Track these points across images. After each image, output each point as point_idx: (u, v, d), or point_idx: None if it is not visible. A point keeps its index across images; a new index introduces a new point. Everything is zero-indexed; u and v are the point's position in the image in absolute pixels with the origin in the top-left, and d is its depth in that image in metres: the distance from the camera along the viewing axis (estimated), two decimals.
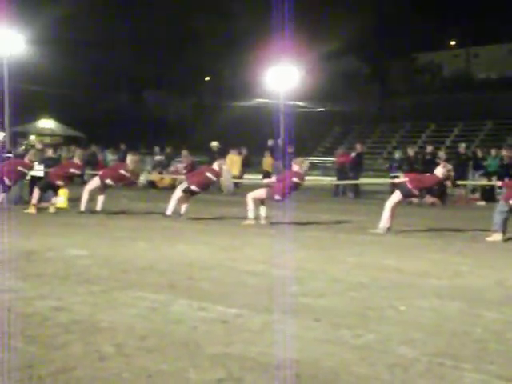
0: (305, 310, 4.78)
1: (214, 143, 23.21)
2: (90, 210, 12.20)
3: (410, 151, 20.72)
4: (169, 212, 11.71)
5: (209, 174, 11.98)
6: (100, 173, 13.27)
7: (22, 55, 28.57)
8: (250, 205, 11.19)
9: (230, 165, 16.08)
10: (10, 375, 3.25)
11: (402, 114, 42.96)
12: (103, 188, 12.45)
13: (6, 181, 12.71)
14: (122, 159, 18.64)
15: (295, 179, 11.36)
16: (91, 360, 3.54)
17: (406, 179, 10.67)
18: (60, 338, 3.93)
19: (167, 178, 22.35)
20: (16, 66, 28.46)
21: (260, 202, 11.35)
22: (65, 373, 3.31)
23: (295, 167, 11.58)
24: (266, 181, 13.10)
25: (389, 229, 10.23)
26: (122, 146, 26.67)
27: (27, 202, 13.92)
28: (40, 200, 12.61)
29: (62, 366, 3.42)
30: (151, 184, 22.71)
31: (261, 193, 11.41)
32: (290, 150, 22.02)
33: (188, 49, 50.06)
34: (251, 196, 11.31)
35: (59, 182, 12.65)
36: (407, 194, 10.55)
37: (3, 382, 3.15)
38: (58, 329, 4.13)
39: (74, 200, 13.85)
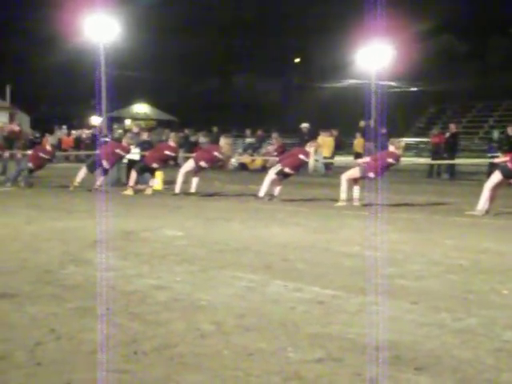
0: (402, 293, 4.70)
1: (305, 125, 23.09)
2: (185, 192, 12.45)
3: (510, 130, 19.90)
4: (261, 194, 11.80)
5: (302, 156, 11.96)
6: (194, 155, 13.51)
7: (118, 41, 29.33)
8: (344, 185, 11.10)
9: (320, 146, 15.96)
10: (116, 350, 3.36)
11: (500, 92, 41.34)
12: (198, 170, 12.68)
13: (105, 164, 13.13)
14: (214, 142, 18.86)
15: (390, 160, 11.18)
16: (192, 337, 3.61)
17: (507, 159, 10.27)
18: (161, 315, 4.03)
19: (258, 160, 22.49)
20: (112, 52, 29.25)
21: (353, 182, 11.24)
22: (168, 349, 3.39)
23: (391, 147, 11.40)
24: (359, 160, 12.95)
25: (487, 211, 9.89)
26: (214, 129, 27.00)
27: (125, 185, 14.38)
28: (137, 182, 12.99)
29: (164, 342, 3.51)
30: (242, 166, 22.92)
31: (355, 172, 11.29)
32: (383, 130, 21.63)
33: (278, 31, 49.95)
34: (345, 176, 11.22)
35: (155, 165, 12.98)
36: (508, 175, 10.15)
37: (110, 356, 3.27)
38: (159, 306, 4.24)
39: (168, 182, 14.19)
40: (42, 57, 46.11)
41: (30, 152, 14.75)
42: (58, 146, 27.55)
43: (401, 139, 12.25)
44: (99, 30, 27.34)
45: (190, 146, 23.43)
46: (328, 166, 21.66)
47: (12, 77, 41.83)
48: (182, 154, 17.67)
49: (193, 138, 26.71)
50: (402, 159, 12.29)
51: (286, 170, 11.86)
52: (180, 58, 50.26)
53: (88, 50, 31.84)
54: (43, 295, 4.47)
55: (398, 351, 3.38)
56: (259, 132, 25.81)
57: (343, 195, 11.06)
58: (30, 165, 14.10)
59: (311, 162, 12.01)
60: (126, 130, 28.73)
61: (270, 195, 11.81)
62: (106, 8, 26.98)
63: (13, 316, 3.95)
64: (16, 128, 17.38)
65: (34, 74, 47.38)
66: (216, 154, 12.70)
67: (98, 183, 13.25)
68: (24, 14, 45.48)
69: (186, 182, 12.68)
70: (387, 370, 3.10)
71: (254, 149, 24.11)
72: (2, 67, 39.86)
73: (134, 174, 12.96)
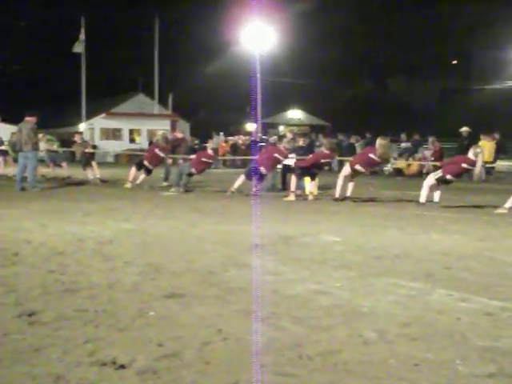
0: None
1: (465, 128, 22.19)
2: (342, 197, 12.44)
3: None
4: (423, 199, 11.52)
5: (465, 165, 11.51)
6: (350, 159, 13.46)
7: (273, 49, 29.89)
8: None
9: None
10: (281, 353, 3.42)
11: None
12: (354, 175, 12.63)
13: (263, 170, 13.35)
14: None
15: None
16: (355, 344, 3.59)
17: None
18: (323, 320, 4.04)
19: (414, 165, 21.96)
20: (267, 60, 29.86)
21: None
22: (332, 354, 3.40)
23: None
24: None
25: None
26: (367, 134, 26.71)
27: (280, 190, 14.61)
28: (296, 188, 13.15)
29: (328, 347, 3.51)
30: (398, 171, 22.48)
31: None
32: None
33: (433, 32, 48.59)
34: None
35: (315, 170, 13.14)
36: None
37: (275, 359, 3.33)
38: (321, 311, 4.25)
39: (322, 188, 14.26)
40: (201, 66, 48.08)
41: (192, 157, 15.36)
42: (216, 151, 28.53)
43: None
44: (255, 39, 28.00)
45: (348, 150, 23.38)
46: (489, 171, 20.68)
47: (173, 86, 43.96)
48: (337, 158, 17.65)
49: (346, 143, 26.64)
50: None
51: (448, 176, 11.49)
52: (333, 64, 50.35)
53: (244, 58, 32.78)
54: (208, 296, 4.64)
55: None
56: (415, 136, 25.19)
57: (509, 204, 10.52)
58: (193, 170, 14.66)
59: (477, 170, 11.48)
60: (281, 136, 29.21)
61: (429, 201, 11.49)
62: (262, 17, 27.59)
63: (181, 315, 4.13)
64: (179, 135, 18.20)
65: (193, 83, 49.46)
66: (371, 155, 12.56)
67: (255, 189, 13.53)
68: (177, 26, 47.69)
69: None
70: None
71: (410, 153, 23.55)
72: (164, 77, 41.97)
73: (294, 180, 13.15)
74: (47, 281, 5.01)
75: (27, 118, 14.22)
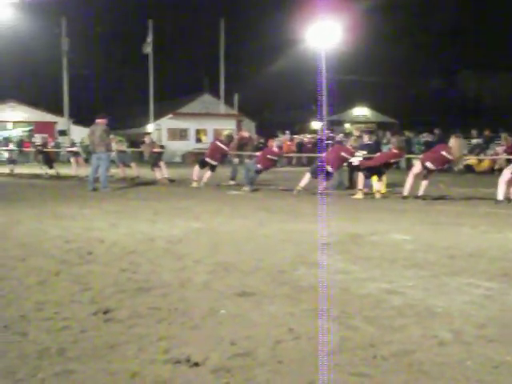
0: None
1: None
2: (412, 196, 12.25)
3: None
4: (500, 197, 11.21)
5: None
6: (421, 156, 13.23)
7: (339, 46, 29.68)
8: None
9: None
10: (354, 352, 3.38)
11: None
12: (426, 173, 12.41)
13: (329, 168, 13.29)
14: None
15: None
16: (429, 345, 3.52)
17: None
18: (396, 320, 3.98)
19: (486, 162, 21.42)
20: (332, 57, 29.68)
21: None
22: (406, 355, 3.33)
23: None
24: None
25: None
26: (436, 131, 26.21)
27: (348, 188, 14.50)
28: (363, 186, 13.03)
29: (401, 348, 3.45)
30: (469, 168, 21.97)
31: None
32: None
33: (504, 24, 47.28)
34: None
35: (383, 168, 12.99)
36: None
37: (349, 359, 3.29)
38: (393, 311, 4.18)
39: (391, 185, 14.07)
40: (266, 64, 48.22)
41: (258, 154, 15.41)
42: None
43: None
44: (321, 36, 27.86)
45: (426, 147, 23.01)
46: None
47: (239, 85, 44.25)
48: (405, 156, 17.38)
49: (414, 140, 26.23)
50: None
51: None
52: (400, 60, 49.60)
53: (309, 56, 32.68)
54: (279, 295, 4.63)
55: None
56: (486, 132, 24.56)
57: None
58: (259, 166, 14.70)
59: None
60: (347, 134, 29.01)
61: (507, 199, 11.16)
62: (327, 14, 27.42)
63: (253, 314, 4.14)
64: (246, 134, 18.32)
65: (258, 82, 49.65)
66: (444, 153, 12.30)
67: (322, 187, 13.46)
68: (245, 28, 47.92)
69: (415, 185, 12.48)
70: None
71: (481, 150, 22.98)
72: (229, 76, 42.31)
73: (361, 177, 13.02)
74: (120, 279, 5.11)
75: (98, 120, 14.57)
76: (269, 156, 14.88)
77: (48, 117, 42.70)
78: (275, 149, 15.31)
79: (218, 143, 16.01)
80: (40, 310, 4.21)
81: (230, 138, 16.77)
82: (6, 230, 7.87)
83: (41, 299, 4.46)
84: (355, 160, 14.08)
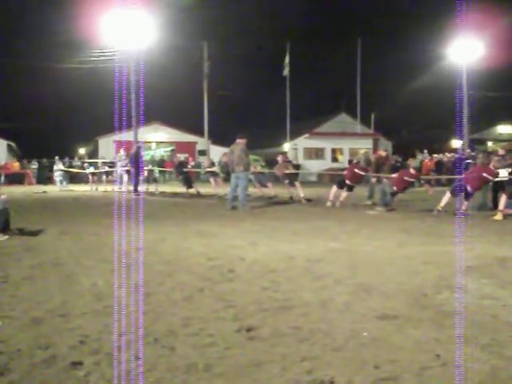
0: None
1: None
2: None
3: None
4: None
5: None
6: None
7: (481, 61, 28.70)
8: None
9: None
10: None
11: None
12: None
13: (468, 188, 12.80)
14: None
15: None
16: None
17: None
18: None
19: None
20: (475, 73, 28.73)
21: None
22: None
23: None
24: None
25: None
26: None
27: (491, 209, 13.87)
28: (505, 206, 12.41)
29: None
30: None
31: None
32: None
33: None
34: None
35: None
36: None
37: None
38: None
39: None
40: (402, 83, 47.48)
41: (394, 175, 15.15)
42: (419, 170, 27.90)
43: None
44: (462, 52, 27.05)
45: None
46: None
47: (375, 105, 43.87)
48: None
49: None
50: None
51: None
52: None
53: (448, 73, 31.80)
54: (422, 319, 4.50)
55: None
56: None
57: None
58: (395, 188, 14.46)
59: None
60: (489, 153, 27.85)
61: None
62: (469, 29, 26.60)
63: (396, 338, 4.05)
64: (383, 153, 18.09)
65: (395, 101, 48.95)
66: None
67: (464, 207, 12.97)
68: (381, 47, 47.35)
69: None
70: None
71: None
72: (366, 96, 42.04)
73: (503, 198, 12.43)
74: (262, 297, 5.18)
75: (238, 140, 14.92)
76: (405, 178, 14.58)
77: (189, 137, 44.44)
78: (412, 170, 14.99)
79: (357, 171, 15.88)
80: (186, 325, 4.35)
81: (367, 161, 16.65)
82: (154, 246, 8.23)
83: (187, 315, 4.62)
84: (500, 180, 13.46)
